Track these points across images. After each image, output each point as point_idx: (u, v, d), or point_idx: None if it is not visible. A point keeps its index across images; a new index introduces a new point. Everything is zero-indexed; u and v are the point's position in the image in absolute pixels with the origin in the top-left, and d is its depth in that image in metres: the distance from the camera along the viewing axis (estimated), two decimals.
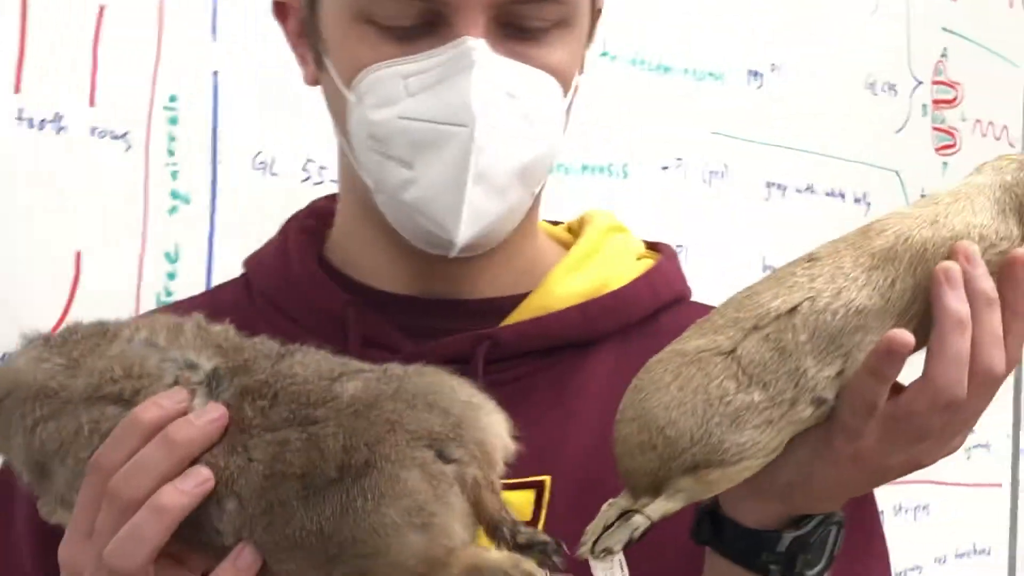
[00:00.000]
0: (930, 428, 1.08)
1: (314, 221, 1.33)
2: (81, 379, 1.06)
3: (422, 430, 1.01)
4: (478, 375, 1.20)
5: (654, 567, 1.18)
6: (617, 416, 1.11)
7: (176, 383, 1.05)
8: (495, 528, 1.03)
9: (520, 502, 1.20)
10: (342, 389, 1.04)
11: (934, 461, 1.11)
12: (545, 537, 1.04)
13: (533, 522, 1.22)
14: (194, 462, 1.02)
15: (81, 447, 1.05)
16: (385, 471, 1.00)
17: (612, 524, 1.10)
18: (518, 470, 1.08)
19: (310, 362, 1.07)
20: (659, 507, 1.09)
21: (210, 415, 1.03)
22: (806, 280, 1.09)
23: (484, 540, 1.04)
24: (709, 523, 1.16)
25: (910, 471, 1.11)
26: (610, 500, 1.11)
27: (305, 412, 1.03)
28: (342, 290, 1.27)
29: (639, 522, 1.08)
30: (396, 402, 1.03)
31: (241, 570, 1.01)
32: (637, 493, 1.10)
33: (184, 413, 1.03)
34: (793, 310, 1.08)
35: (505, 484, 1.06)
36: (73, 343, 1.08)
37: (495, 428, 1.07)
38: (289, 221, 1.34)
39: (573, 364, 1.27)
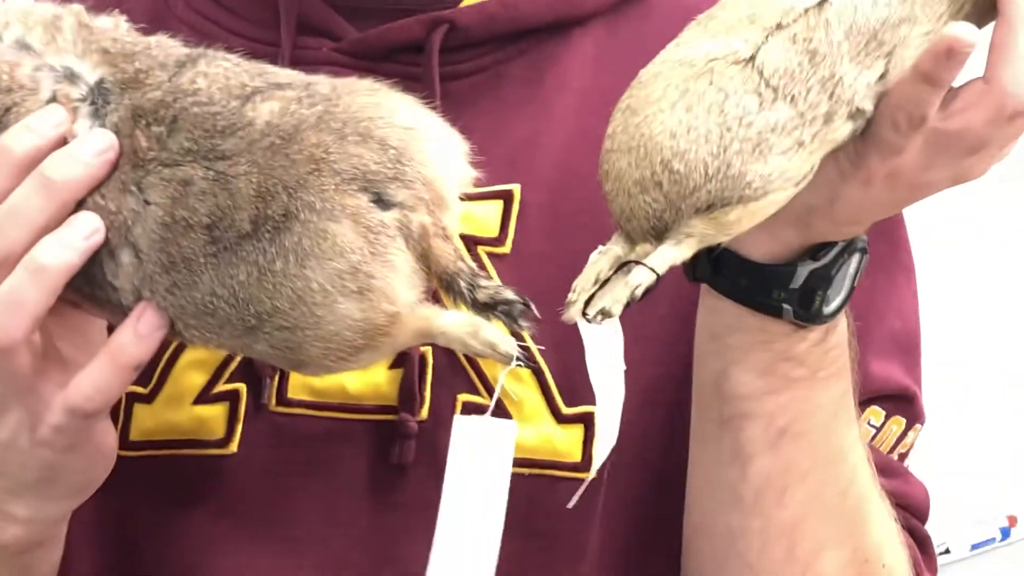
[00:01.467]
0: (986, 141, 0.89)
1: None
2: None
3: (354, 168, 0.86)
4: (433, 67, 1.05)
5: (642, 319, 1.02)
6: (606, 144, 0.90)
7: (53, 99, 0.90)
8: (449, 283, 0.88)
9: (485, 215, 1.06)
10: (255, 113, 0.88)
11: (982, 174, 0.92)
12: (510, 294, 0.88)
13: (499, 239, 1.07)
14: (79, 204, 0.88)
15: None
16: (309, 224, 0.85)
17: (607, 279, 0.89)
18: (483, 175, 0.95)
19: (216, 74, 0.90)
20: (665, 256, 0.89)
21: (96, 145, 0.88)
22: None
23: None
24: (707, 258, 0.98)
25: (952, 186, 0.93)
26: (600, 247, 0.91)
27: (211, 143, 0.88)
28: None
29: (642, 277, 0.88)
30: (321, 132, 0.87)
31: (143, 336, 0.89)
32: (635, 239, 0.90)
33: (64, 140, 0.89)
34: (824, 1, 0.86)
35: (466, 195, 0.93)
36: None
37: (447, 157, 0.90)
38: None
39: (548, 52, 1.09)
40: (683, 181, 0.87)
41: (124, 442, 1.04)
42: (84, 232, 0.87)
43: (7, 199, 0.88)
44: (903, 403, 1.13)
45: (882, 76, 0.88)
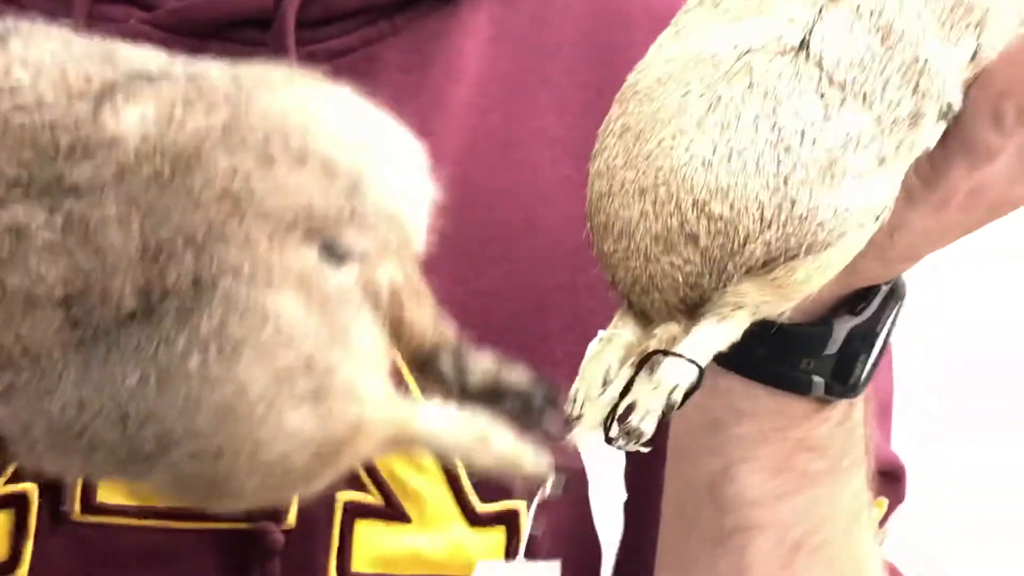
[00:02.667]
0: None
1: None
2: None
3: (293, 208, 0.61)
4: (287, 46, 0.86)
5: None
6: (598, 186, 0.66)
7: None
8: (425, 361, 0.66)
9: None
10: (119, 124, 0.62)
11: None
12: (524, 380, 0.64)
13: None
14: None
15: None
16: (236, 299, 0.61)
17: (627, 381, 0.63)
18: None
19: (41, 59, 0.64)
20: (706, 339, 0.64)
21: None
22: None
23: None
24: None
25: None
26: (600, 333, 0.66)
27: (53, 170, 0.62)
28: None
29: (679, 374, 0.63)
30: (235, 152, 0.62)
31: None
32: (655, 317, 0.64)
33: None
34: None
35: None
36: None
37: (411, 177, 0.65)
38: None
39: (432, 31, 0.89)
40: (729, 231, 0.61)
41: None
42: None
43: None
44: (890, 481, 0.95)
45: (973, 56, 0.65)
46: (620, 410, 0.63)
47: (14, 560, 0.84)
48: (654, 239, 0.62)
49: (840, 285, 0.74)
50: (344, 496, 0.84)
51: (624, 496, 0.77)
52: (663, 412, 0.62)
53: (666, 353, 0.63)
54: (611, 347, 0.64)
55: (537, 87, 0.79)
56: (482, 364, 0.65)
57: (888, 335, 0.78)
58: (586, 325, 0.84)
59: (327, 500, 0.84)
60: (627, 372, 0.63)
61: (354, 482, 0.84)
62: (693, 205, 0.61)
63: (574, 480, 0.72)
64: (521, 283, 0.84)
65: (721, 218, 0.61)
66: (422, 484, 0.85)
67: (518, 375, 0.65)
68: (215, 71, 0.65)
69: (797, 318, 0.74)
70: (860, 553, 0.84)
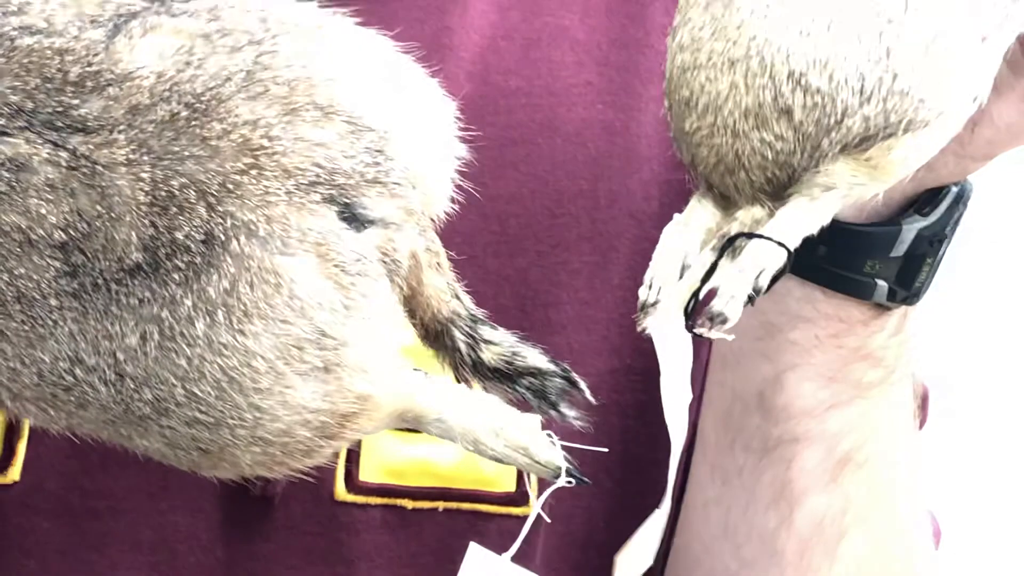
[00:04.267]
0: None
1: None
2: None
3: (316, 166, 0.57)
4: None
5: (591, 294, 0.81)
6: (678, 60, 0.62)
7: None
8: (438, 334, 0.63)
9: None
10: (134, 58, 0.57)
11: None
12: (541, 359, 0.62)
13: None
14: None
15: None
16: (249, 261, 0.57)
17: (709, 267, 0.59)
18: None
19: None
20: (796, 220, 0.61)
21: None
22: None
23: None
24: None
25: None
26: (676, 216, 0.62)
27: (59, 101, 0.58)
28: None
29: (767, 257, 0.59)
30: (257, 100, 0.57)
31: None
32: (738, 199, 0.60)
33: None
34: None
35: None
36: None
37: (438, 137, 0.61)
38: None
39: None
40: (827, 104, 0.58)
41: None
42: None
43: None
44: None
45: None
46: (702, 295, 0.59)
47: (6, 460, 0.80)
48: (743, 114, 0.58)
49: (912, 184, 0.70)
50: None
51: (691, 395, 0.72)
52: (749, 296, 0.59)
53: (751, 236, 0.59)
54: (688, 231, 0.61)
55: None
56: (497, 340, 0.63)
57: (952, 233, 0.75)
58: (604, 235, 0.80)
59: None
60: (709, 256, 0.60)
61: None
62: (788, 77, 0.57)
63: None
64: (540, 187, 0.81)
65: (819, 91, 0.57)
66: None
67: (535, 356, 0.62)
68: (239, 6, 0.61)
69: (864, 218, 0.72)
70: (903, 467, 0.81)
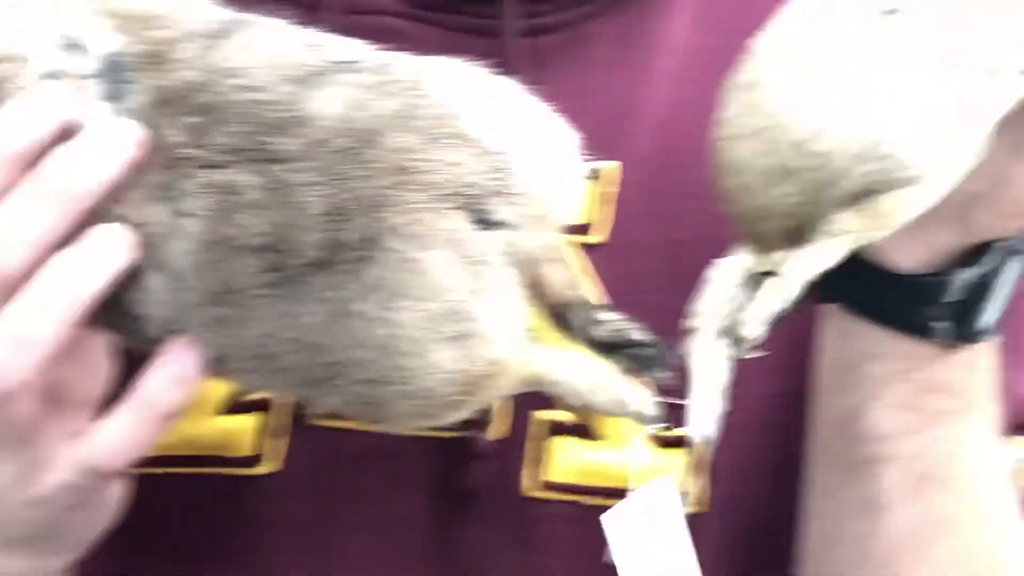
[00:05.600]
0: None
1: None
2: None
3: (450, 181, 0.71)
4: (512, 20, 0.91)
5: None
6: (721, 132, 0.75)
7: (52, 76, 0.74)
8: (561, 315, 0.75)
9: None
10: (318, 106, 0.72)
11: None
12: (640, 334, 0.73)
13: (594, 225, 0.90)
14: (95, 212, 0.73)
15: None
16: (397, 254, 0.70)
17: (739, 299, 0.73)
18: None
19: (261, 47, 0.74)
20: (808, 262, 0.73)
21: (114, 142, 0.72)
22: None
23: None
24: (841, 273, 0.81)
25: None
26: (719, 261, 0.75)
27: (262, 141, 0.72)
28: None
29: (783, 291, 0.72)
30: (406, 132, 0.71)
31: (178, 381, 0.74)
32: (767, 245, 0.73)
33: (69, 132, 0.72)
34: None
35: None
36: None
37: (559, 159, 0.74)
38: None
39: (644, 8, 0.94)
40: (826, 166, 0.71)
41: None
42: (107, 254, 0.72)
43: (2, 209, 0.72)
44: None
45: None
46: (730, 323, 0.73)
47: (259, 457, 0.90)
48: (763, 174, 0.72)
49: (959, 239, 0.80)
50: (543, 414, 0.90)
51: (723, 409, 0.79)
52: (765, 323, 0.72)
53: (770, 274, 0.73)
54: (729, 272, 0.74)
55: (736, 62, 0.81)
56: (608, 320, 0.74)
57: (1010, 289, 0.82)
58: None
59: (527, 417, 0.90)
60: (738, 292, 0.73)
61: (550, 402, 0.89)
62: (793, 145, 0.71)
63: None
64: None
65: (819, 155, 0.70)
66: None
67: (638, 332, 0.74)
68: (400, 62, 0.74)
69: (919, 268, 0.81)
70: (988, 488, 0.88)
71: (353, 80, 0.73)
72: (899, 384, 0.85)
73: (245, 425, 0.90)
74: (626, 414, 0.75)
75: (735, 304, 0.73)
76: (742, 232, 0.74)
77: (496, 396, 0.75)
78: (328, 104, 0.72)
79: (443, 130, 0.72)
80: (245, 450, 0.91)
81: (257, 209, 0.72)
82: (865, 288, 0.82)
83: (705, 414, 0.76)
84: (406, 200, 0.71)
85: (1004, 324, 0.89)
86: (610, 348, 0.74)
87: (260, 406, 0.90)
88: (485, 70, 0.75)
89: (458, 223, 0.71)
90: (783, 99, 0.71)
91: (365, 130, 0.72)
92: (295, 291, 0.72)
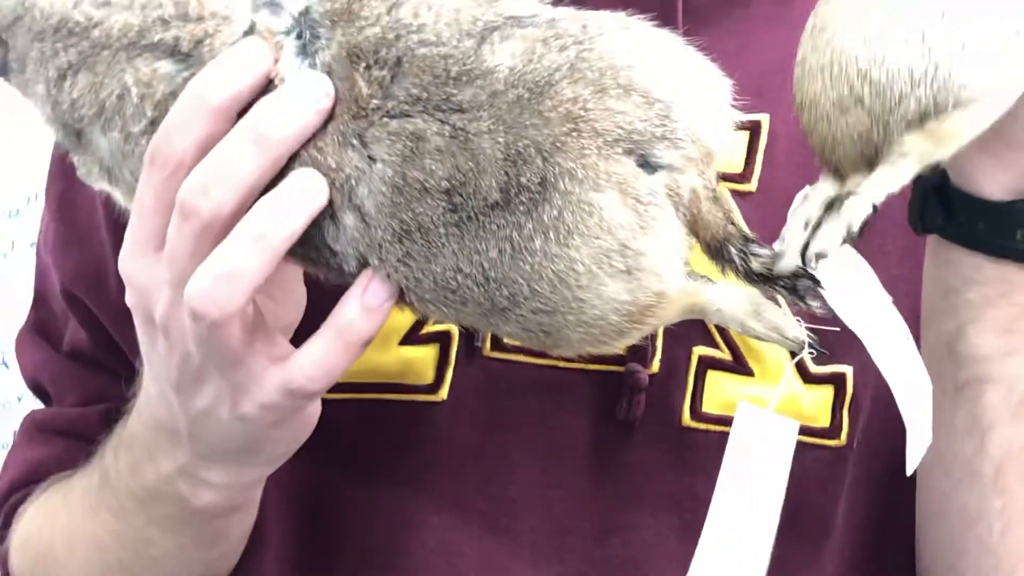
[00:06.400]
0: None
1: None
2: (118, 14, 0.81)
3: (619, 128, 0.76)
4: None
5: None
6: (796, 73, 0.80)
7: (251, 31, 0.80)
8: (719, 249, 0.79)
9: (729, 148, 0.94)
10: (494, 59, 0.77)
11: None
12: (792, 265, 0.78)
13: (745, 175, 0.96)
14: (292, 157, 0.79)
15: (130, 119, 0.81)
16: (571, 195, 0.76)
17: (818, 220, 0.79)
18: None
19: (441, 4, 0.79)
20: (881, 183, 0.78)
21: (311, 91, 0.78)
22: None
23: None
24: (936, 203, 0.87)
25: None
26: (805, 189, 0.81)
27: (444, 91, 0.77)
28: None
29: (855, 210, 0.78)
30: (577, 84, 0.76)
31: (372, 309, 0.80)
32: (844, 171, 0.79)
33: (268, 83, 0.79)
34: None
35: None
36: None
37: (715, 107, 0.79)
38: None
39: None
40: (886, 92, 0.77)
41: None
42: (309, 193, 0.78)
43: (211, 155, 0.78)
44: None
45: None
46: (810, 240, 0.79)
47: (438, 384, 0.97)
48: (832, 105, 0.78)
49: None
50: (699, 350, 0.96)
51: (890, 299, 0.81)
52: (843, 238, 0.78)
53: (848, 195, 0.79)
54: (812, 199, 0.80)
55: None
56: (762, 254, 0.79)
57: None
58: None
59: (685, 352, 0.96)
60: (818, 213, 0.80)
61: (709, 339, 0.96)
62: (857, 74, 0.77)
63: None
64: None
65: (879, 82, 0.76)
66: (766, 345, 0.93)
67: (790, 264, 0.78)
68: (569, 17, 0.79)
69: (1009, 195, 0.85)
70: None
71: (527, 34, 0.77)
72: (997, 308, 0.88)
73: (426, 355, 0.96)
74: (782, 341, 0.80)
75: (813, 224, 0.79)
76: (821, 162, 0.81)
77: (662, 324, 0.80)
78: (504, 57, 0.77)
79: (610, 80, 0.76)
80: (425, 379, 0.97)
81: (441, 155, 0.77)
82: (960, 217, 0.87)
83: (870, 319, 0.81)
84: (578, 146, 0.75)
85: None
86: (765, 280, 0.79)
87: (439, 338, 0.96)
88: (649, 23, 0.80)
89: (626, 166, 0.76)
90: (844, 34, 0.77)
91: (538, 81, 0.76)
92: (477, 230, 0.77)
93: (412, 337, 0.97)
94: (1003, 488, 0.91)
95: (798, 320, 0.80)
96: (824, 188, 0.80)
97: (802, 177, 0.91)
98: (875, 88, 0.77)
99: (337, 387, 0.91)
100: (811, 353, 0.80)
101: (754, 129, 0.97)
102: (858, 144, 0.78)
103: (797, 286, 0.78)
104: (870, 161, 0.78)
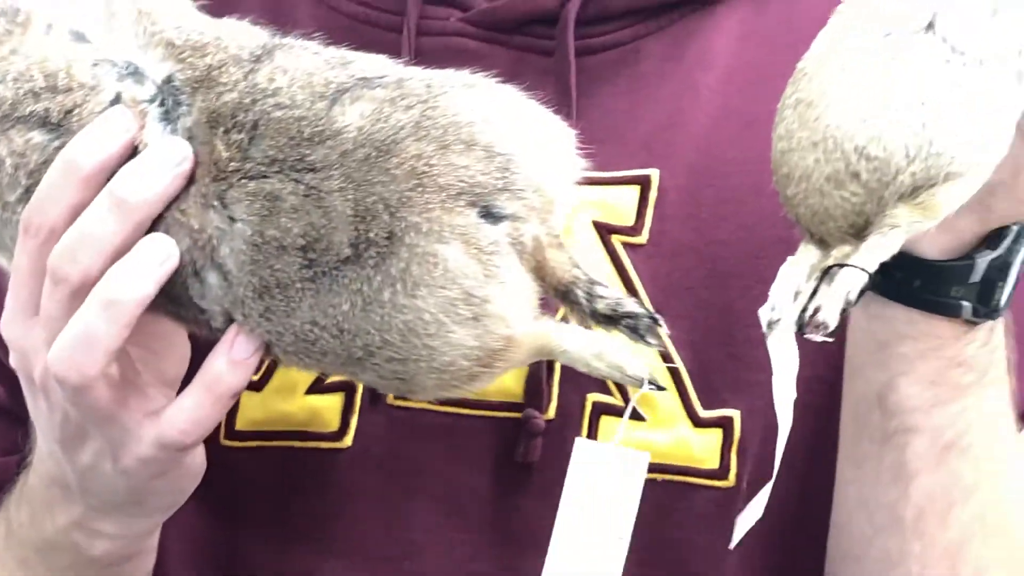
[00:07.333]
0: None
1: None
2: None
3: (460, 182, 0.80)
4: (568, 40, 0.99)
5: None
6: (780, 146, 0.83)
7: (117, 100, 0.83)
8: (565, 293, 0.83)
9: (620, 202, 1.00)
10: (344, 119, 0.81)
11: None
12: (633, 306, 0.82)
13: (636, 228, 0.99)
14: (157, 218, 0.83)
15: (6, 188, 0.85)
16: (416, 248, 0.80)
17: (812, 291, 0.82)
18: (619, 160, 0.97)
19: (296, 69, 0.83)
20: (874, 251, 0.82)
21: (172, 157, 0.82)
22: None
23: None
24: None
25: None
26: (789, 259, 0.84)
27: (298, 152, 0.81)
28: None
29: (853, 279, 0.81)
30: (421, 141, 0.81)
31: (238, 363, 0.84)
32: (832, 241, 0.82)
33: (132, 150, 0.83)
34: None
35: (600, 179, 0.93)
36: None
37: (556, 156, 0.84)
38: None
39: (690, 28, 1.03)
40: (884, 167, 0.80)
41: (230, 432, 1.00)
42: (158, 258, 0.82)
43: (78, 221, 0.82)
44: None
45: None
46: (809, 311, 0.82)
47: (343, 431, 0.99)
48: (826, 179, 0.81)
49: (980, 224, 0.89)
50: (593, 396, 0.99)
51: (795, 395, 0.86)
52: (843, 308, 0.81)
53: (841, 266, 0.82)
54: (796, 269, 0.83)
55: (777, 78, 0.86)
56: (607, 296, 0.83)
57: (1020, 265, 0.91)
58: None
59: (580, 398, 0.98)
60: (812, 283, 0.82)
61: (602, 386, 0.98)
62: (855, 150, 0.80)
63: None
64: (747, 236, 0.97)
65: (877, 158, 0.79)
66: (657, 391, 0.94)
67: (632, 304, 0.83)
68: (417, 77, 0.83)
69: (945, 254, 0.90)
70: (1003, 453, 0.97)
71: (375, 95, 0.82)
72: (927, 361, 0.93)
73: (331, 403, 0.99)
74: (623, 379, 0.84)
75: (805, 298, 0.82)
76: (806, 232, 0.83)
77: (513, 366, 0.84)
78: (354, 117, 0.81)
79: (452, 136, 0.81)
80: (331, 426, 0.99)
81: (296, 213, 0.81)
82: (898, 275, 0.90)
83: (785, 399, 0.85)
84: (423, 200, 0.80)
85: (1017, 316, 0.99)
86: (609, 320, 0.83)
87: (344, 387, 0.99)
88: (492, 80, 0.84)
89: (469, 218, 0.80)
90: (839, 111, 0.80)
91: (385, 140, 0.81)
92: (331, 284, 0.81)
93: (318, 386, 0.99)
94: (922, 532, 0.96)
95: (642, 359, 0.85)
96: (807, 257, 0.83)
97: (691, 229, 0.99)
98: (872, 164, 0.80)
99: (247, 436, 0.99)
100: (652, 388, 0.85)
101: (644, 184, 0.99)
102: (851, 216, 0.81)
103: (638, 325, 0.83)
104: (860, 231, 0.82)
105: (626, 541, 0.89)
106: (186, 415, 0.85)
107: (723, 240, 0.97)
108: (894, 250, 0.82)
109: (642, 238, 1.00)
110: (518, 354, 0.82)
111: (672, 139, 1.00)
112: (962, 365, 0.93)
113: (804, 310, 0.82)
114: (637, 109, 0.99)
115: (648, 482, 0.92)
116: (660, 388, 0.86)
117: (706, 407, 1.00)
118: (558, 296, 0.83)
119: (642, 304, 0.83)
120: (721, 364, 0.97)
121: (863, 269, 0.81)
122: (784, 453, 0.93)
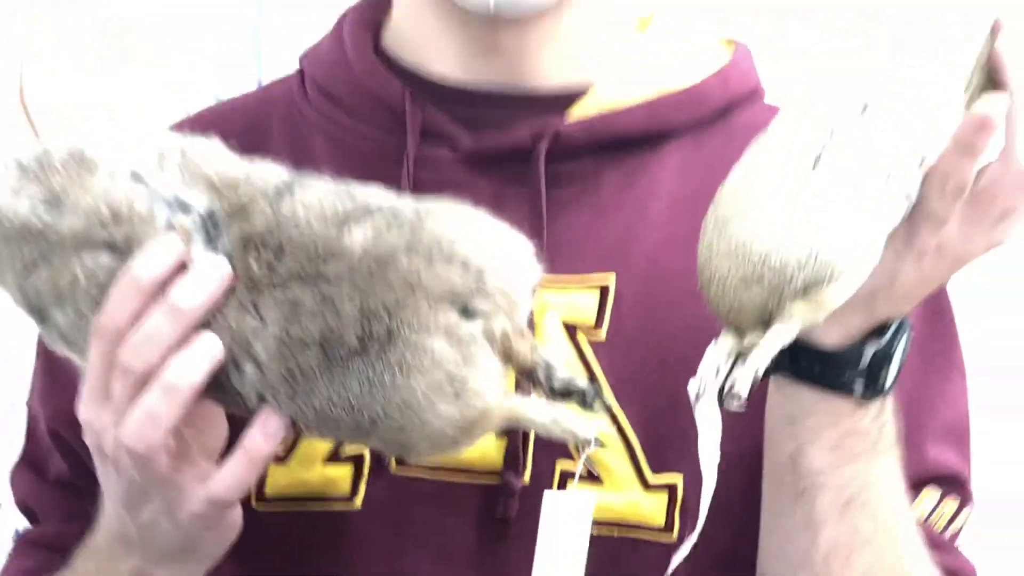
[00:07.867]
0: (1013, 206, 1.03)
1: (371, 12, 1.25)
2: (67, 219, 0.98)
3: (443, 289, 0.96)
4: (540, 173, 1.16)
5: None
6: (704, 255, 1.02)
7: (169, 227, 0.99)
8: (529, 373, 0.99)
9: (584, 305, 1.16)
10: (351, 240, 0.97)
11: (1009, 238, 1.05)
12: (582, 383, 0.99)
13: (597, 326, 1.16)
14: (206, 322, 0.98)
15: (80, 299, 0.99)
16: (410, 341, 0.95)
17: (729, 368, 1.03)
18: (583, 269, 1.13)
19: (312, 202, 0.98)
20: (775, 338, 1.01)
21: (214, 276, 0.98)
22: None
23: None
24: (784, 351, 1.09)
25: (987, 251, 1.04)
26: (713, 342, 1.03)
27: (315, 267, 0.96)
28: (400, 81, 1.20)
29: (760, 360, 1.01)
30: (412, 256, 0.96)
31: (270, 435, 1.00)
32: (744, 330, 1.03)
33: (183, 266, 0.98)
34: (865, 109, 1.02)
35: (566, 284, 1.11)
36: (51, 170, 0.99)
37: (519, 265, 1.00)
38: (345, 13, 1.26)
39: (641, 162, 1.19)
40: (781, 273, 0.99)
41: (260, 496, 1.15)
42: (207, 354, 0.97)
43: (142, 325, 0.98)
44: (956, 485, 1.21)
45: (921, 162, 1.01)
46: (727, 385, 1.01)
47: (353, 495, 1.15)
48: (739, 281, 0.99)
49: (867, 320, 1.03)
50: (561, 464, 1.14)
51: (718, 457, 1.01)
52: (752, 383, 1.01)
53: (750, 350, 1.02)
54: (718, 351, 1.02)
55: (711, 203, 1.01)
56: (561, 375, 0.99)
57: (903, 355, 1.05)
58: None
59: (550, 465, 1.14)
60: (730, 363, 1.02)
61: (568, 454, 1.13)
62: (757, 261, 0.99)
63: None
64: (690, 332, 1.10)
65: (773, 267, 0.98)
66: (612, 458, 1.13)
67: (581, 381, 0.99)
68: (407, 205, 0.97)
69: (839, 344, 1.06)
70: (895, 508, 1.09)
71: (373, 222, 0.97)
72: (828, 431, 1.06)
73: (344, 472, 1.15)
74: (575, 440, 0.99)
75: (724, 375, 1.02)
76: (724, 323, 1.03)
77: (489, 432, 0.98)
78: (359, 238, 0.96)
79: (437, 252, 0.95)
80: (344, 491, 1.16)
81: (314, 316, 0.95)
82: (802, 362, 1.05)
83: (710, 458, 1.03)
84: (414, 303, 0.95)
85: (918, 402, 1.17)
86: (564, 394, 0.99)
87: (355, 459, 1.15)
88: (469, 205, 0.99)
89: (450, 316, 0.95)
90: (747, 229, 1.00)
91: (383, 256, 0.95)
92: (343, 371, 0.95)
93: (333, 458, 1.15)
94: (829, 573, 1.09)
95: (591, 424, 1.02)
96: (727, 342, 1.03)
97: (643, 326, 1.16)
98: (773, 270, 0.99)
99: (274, 500, 1.16)
100: (598, 446, 1.01)
101: (604, 290, 1.17)
102: (758, 311, 1.01)
103: (586, 398, 0.99)
104: (765, 323, 1.02)
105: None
106: (229, 477, 1.01)
107: (670, 335, 1.12)
108: (792, 336, 1.01)
109: (602, 335, 1.15)
110: (492, 422, 0.97)
111: (627, 252, 1.16)
112: (856, 434, 1.07)
113: (723, 385, 1.02)
114: (598, 228, 1.16)
115: (605, 537, 1.10)
116: (602, 445, 1.01)
117: (655, 472, 1.14)
118: (523, 375, 0.99)
119: (590, 380, 1.00)
120: (668, 437, 1.11)
121: (767, 353, 1.01)
122: (722, 505, 1.06)
